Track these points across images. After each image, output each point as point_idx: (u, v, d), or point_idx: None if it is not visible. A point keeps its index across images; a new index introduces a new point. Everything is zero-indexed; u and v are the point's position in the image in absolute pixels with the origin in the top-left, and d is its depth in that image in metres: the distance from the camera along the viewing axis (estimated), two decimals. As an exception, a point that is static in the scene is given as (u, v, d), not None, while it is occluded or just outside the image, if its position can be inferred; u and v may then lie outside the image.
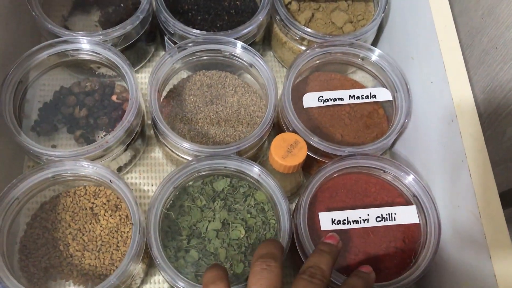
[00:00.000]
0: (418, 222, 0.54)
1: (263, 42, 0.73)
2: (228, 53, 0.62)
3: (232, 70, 0.66)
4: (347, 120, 0.63)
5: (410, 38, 0.63)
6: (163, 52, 0.74)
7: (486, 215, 0.47)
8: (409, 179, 0.55)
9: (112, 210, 0.56)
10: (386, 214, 0.54)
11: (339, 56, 0.64)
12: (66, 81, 0.66)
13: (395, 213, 0.54)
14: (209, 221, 0.54)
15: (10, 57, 0.61)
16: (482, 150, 0.49)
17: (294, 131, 0.58)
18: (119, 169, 0.63)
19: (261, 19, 0.64)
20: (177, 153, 0.59)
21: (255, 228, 0.54)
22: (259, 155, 0.64)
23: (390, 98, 0.63)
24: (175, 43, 0.66)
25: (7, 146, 0.59)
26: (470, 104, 0.52)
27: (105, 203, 0.57)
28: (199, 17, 0.68)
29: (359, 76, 0.69)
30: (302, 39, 0.66)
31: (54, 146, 0.63)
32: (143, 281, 0.59)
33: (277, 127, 0.65)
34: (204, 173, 0.56)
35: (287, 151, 0.52)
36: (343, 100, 0.63)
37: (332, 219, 0.53)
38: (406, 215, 0.54)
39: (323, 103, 0.62)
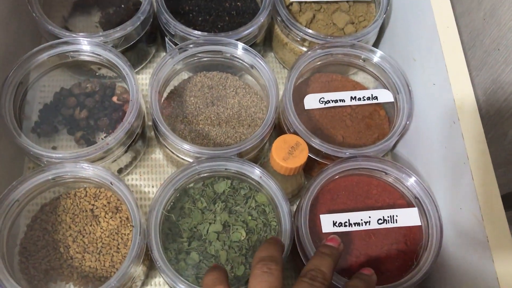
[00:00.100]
0: (420, 224, 0.54)
1: (264, 43, 0.73)
2: (229, 54, 0.62)
3: (233, 71, 0.65)
4: (348, 121, 0.63)
5: (411, 39, 0.63)
6: (164, 53, 0.74)
7: (488, 217, 0.47)
8: (411, 181, 0.55)
9: (113, 212, 0.56)
10: (388, 216, 0.54)
11: (341, 58, 0.64)
12: (66, 82, 0.66)
13: (396, 215, 0.54)
14: (210, 223, 0.54)
15: (10, 58, 0.61)
16: (484, 152, 0.49)
17: (295, 133, 0.58)
18: (120, 171, 0.63)
19: (262, 20, 0.64)
20: (178, 154, 0.58)
21: (256, 230, 0.54)
22: (260, 157, 0.63)
23: (392, 99, 0.63)
24: (176, 44, 0.66)
25: (8, 147, 0.59)
26: (472, 106, 0.52)
27: (105, 205, 0.57)
28: (200, 18, 0.67)
29: (360, 77, 0.69)
30: (303, 40, 0.66)
31: (54, 148, 0.63)
32: (144, 283, 0.59)
33: (278, 129, 0.65)
34: (205, 174, 0.56)
35: (288, 153, 0.52)
36: (344, 101, 0.62)
37: (333, 221, 0.53)
38: (408, 217, 0.54)
39: (324, 104, 0.62)
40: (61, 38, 0.60)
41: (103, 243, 0.55)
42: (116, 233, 0.56)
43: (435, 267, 0.53)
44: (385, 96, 0.63)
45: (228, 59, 0.63)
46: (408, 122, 0.60)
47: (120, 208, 0.57)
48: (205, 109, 0.62)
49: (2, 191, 0.52)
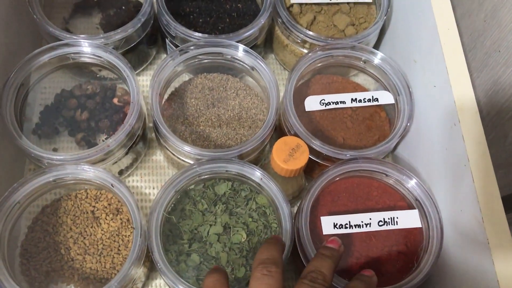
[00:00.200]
0: (421, 226, 0.54)
1: (264, 44, 0.73)
2: (229, 56, 0.62)
3: (233, 73, 0.65)
4: (349, 123, 0.63)
5: (412, 41, 0.63)
6: (165, 55, 0.74)
7: (488, 219, 0.47)
8: (412, 183, 0.55)
9: (113, 214, 0.56)
10: (388, 218, 0.54)
11: (341, 59, 0.64)
12: (67, 83, 0.66)
13: (397, 217, 0.54)
14: (211, 225, 0.54)
15: (11, 60, 0.61)
16: (484, 154, 0.49)
17: (295, 135, 0.58)
18: (121, 172, 0.63)
19: (262, 22, 0.64)
20: (179, 156, 0.59)
21: (256, 232, 0.54)
22: (260, 158, 0.63)
23: (392, 101, 0.63)
24: (176, 46, 0.66)
25: (8, 149, 0.59)
26: (473, 108, 0.52)
27: (106, 207, 0.57)
28: (200, 20, 0.68)
29: (361, 79, 0.69)
30: (304, 42, 0.66)
31: (55, 149, 0.63)
32: (144, 285, 0.59)
33: (278, 130, 0.65)
34: (206, 176, 0.56)
35: (289, 154, 0.52)
36: (345, 103, 0.62)
37: (334, 223, 0.53)
38: (408, 219, 0.54)
39: (325, 106, 0.62)
40: (62, 40, 0.60)
41: (104, 245, 0.55)
42: (117, 234, 0.56)
43: (436, 269, 0.53)
44: (385, 97, 0.63)
45: (228, 61, 0.63)
46: (408, 124, 0.60)
47: (121, 210, 0.57)
48: (205, 111, 0.62)
49: (3, 193, 0.52)
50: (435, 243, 0.52)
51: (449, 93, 0.53)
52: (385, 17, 0.66)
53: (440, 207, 0.54)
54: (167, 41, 0.68)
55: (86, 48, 0.60)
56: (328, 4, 0.69)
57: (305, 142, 0.53)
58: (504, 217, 0.47)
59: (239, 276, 0.52)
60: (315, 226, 0.54)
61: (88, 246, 0.55)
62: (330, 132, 0.62)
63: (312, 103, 0.62)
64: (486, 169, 0.49)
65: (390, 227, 0.54)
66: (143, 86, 0.72)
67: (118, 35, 0.62)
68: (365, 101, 0.63)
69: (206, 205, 0.55)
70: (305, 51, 0.67)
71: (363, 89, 0.67)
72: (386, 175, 0.56)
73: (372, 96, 0.63)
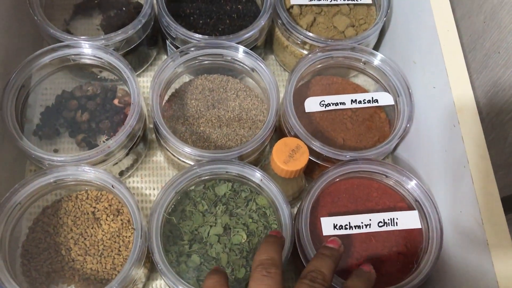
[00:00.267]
0: (420, 227, 0.54)
1: (265, 46, 0.73)
2: (230, 58, 0.62)
3: (234, 74, 0.66)
4: (349, 124, 0.63)
5: (412, 42, 0.63)
6: (165, 56, 0.74)
7: (488, 220, 0.47)
8: (411, 184, 0.55)
9: (114, 215, 0.56)
10: (388, 219, 0.54)
11: (341, 60, 0.64)
12: (68, 85, 0.66)
13: (397, 218, 0.54)
14: (211, 226, 0.54)
15: (12, 62, 0.61)
16: (484, 156, 0.49)
17: (295, 136, 0.58)
18: (121, 173, 0.64)
19: (263, 23, 0.64)
20: (179, 157, 0.59)
21: (256, 233, 0.54)
22: (260, 159, 0.63)
23: (392, 102, 0.63)
24: (177, 47, 0.66)
25: (9, 150, 0.59)
26: (473, 109, 0.52)
27: (107, 208, 0.57)
28: (201, 21, 0.68)
29: (361, 80, 0.69)
30: (304, 43, 0.66)
31: (56, 150, 0.64)
32: (145, 286, 0.59)
33: (278, 131, 0.65)
34: (206, 177, 0.56)
35: (289, 156, 0.52)
36: (345, 104, 0.63)
37: (334, 224, 0.53)
38: (408, 220, 0.54)
39: (325, 107, 0.62)
40: (62, 41, 0.60)
41: (104, 246, 0.55)
42: (117, 235, 0.56)
43: (436, 269, 0.53)
44: (385, 99, 0.63)
45: (229, 62, 0.63)
46: (408, 125, 0.60)
47: (121, 211, 0.57)
48: (206, 112, 0.62)
49: (4, 194, 0.52)
50: (434, 244, 0.52)
51: (449, 94, 0.53)
52: (384, 18, 0.66)
53: (439, 208, 0.54)
54: (167, 42, 0.68)
55: (87, 49, 0.60)
56: (328, 5, 0.69)
57: (305, 143, 0.54)
58: (504, 218, 0.47)
59: (239, 277, 0.52)
60: (315, 227, 0.54)
61: (88, 247, 0.55)
62: (330, 133, 0.62)
63: (312, 104, 0.63)
64: (485, 170, 0.49)
65: (390, 228, 0.54)
66: (143, 87, 0.72)
67: (119, 36, 0.62)
68: (365, 102, 0.63)
69: (206, 206, 0.55)
70: (305, 52, 0.67)
71: (363, 90, 0.67)
72: (386, 176, 0.56)
73: (372, 97, 0.63)
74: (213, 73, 0.65)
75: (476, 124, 0.51)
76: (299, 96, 0.63)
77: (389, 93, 0.63)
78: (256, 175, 0.55)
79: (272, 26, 0.70)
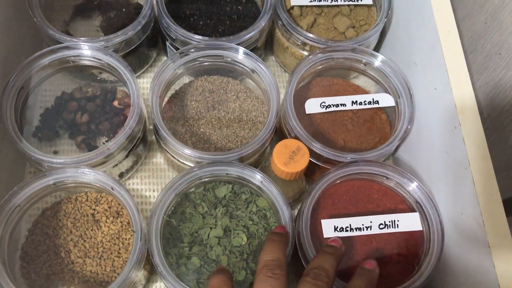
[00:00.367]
0: (421, 229, 0.54)
1: (265, 47, 0.73)
2: (230, 59, 0.62)
3: (234, 76, 0.65)
4: (349, 125, 0.63)
5: (413, 44, 0.63)
6: (165, 57, 0.74)
7: (489, 222, 0.47)
8: (412, 186, 0.55)
9: (114, 217, 0.56)
10: (389, 221, 0.54)
11: (342, 62, 0.64)
12: (67, 86, 0.66)
13: (398, 220, 0.54)
14: (211, 228, 0.54)
15: (11, 63, 0.61)
16: (485, 158, 0.49)
17: (296, 137, 0.58)
18: (121, 175, 0.63)
19: (263, 24, 0.64)
20: (179, 159, 0.58)
21: (257, 235, 0.54)
22: (261, 161, 0.63)
23: (393, 104, 0.63)
24: (177, 48, 0.66)
25: (9, 152, 0.59)
26: (474, 111, 0.51)
27: (106, 210, 0.57)
28: (201, 22, 0.68)
29: (361, 81, 0.69)
30: (304, 44, 0.66)
31: (55, 152, 0.63)
32: (145, 288, 0.59)
33: (279, 133, 0.65)
34: (206, 179, 0.56)
35: (289, 157, 0.52)
36: (345, 105, 0.62)
37: (334, 226, 0.53)
38: (409, 222, 0.54)
39: (326, 108, 0.62)
40: (62, 43, 0.60)
41: (104, 248, 0.55)
42: (117, 237, 0.56)
43: (437, 271, 0.53)
44: (386, 100, 0.63)
45: (229, 64, 0.63)
46: (409, 127, 0.60)
47: (121, 213, 0.57)
48: (206, 113, 0.62)
49: (3, 196, 0.52)
50: (436, 246, 0.52)
51: (450, 96, 0.53)
52: (385, 19, 0.66)
53: (441, 210, 0.54)
54: (167, 43, 0.68)
55: (86, 51, 0.60)
56: (328, 6, 0.69)
57: (306, 145, 0.53)
58: (505, 220, 0.47)
59: (239, 279, 0.52)
60: (316, 229, 0.54)
61: (88, 249, 0.55)
62: (331, 135, 0.62)
63: (313, 106, 0.62)
64: (487, 172, 0.49)
65: (391, 230, 0.54)
66: (143, 88, 0.72)
67: (119, 37, 0.62)
68: (365, 104, 0.63)
69: (206, 208, 0.55)
70: (306, 53, 0.67)
71: (364, 92, 0.66)
72: (387, 178, 0.56)
73: (373, 99, 0.63)
74: (213, 74, 0.65)
75: (477, 126, 0.51)
76: (300, 98, 0.63)
77: (389, 94, 0.63)
78: (257, 177, 0.55)
79: (273, 27, 0.70)
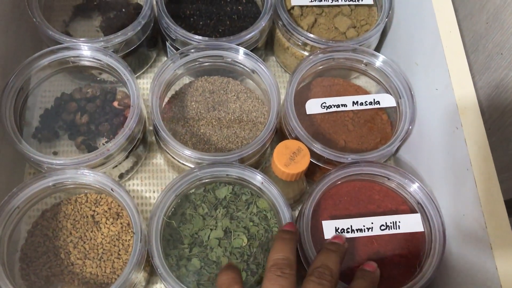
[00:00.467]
0: (423, 230, 0.54)
1: (265, 47, 0.72)
2: (230, 59, 0.62)
3: (234, 76, 0.65)
4: (350, 126, 0.62)
5: (414, 44, 0.63)
6: (165, 58, 0.74)
7: (491, 223, 0.46)
8: (414, 186, 0.55)
9: (114, 218, 0.56)
10: (390, 223, 0.53)
11: (342, 62, 0.64)
12: (67, 87, 0.66)
13: (399, 221, 0.54)
14: (211, 229, 0.54)
15: (11, 64, 0.61)
16: (487, 159, 0.49)
17: (296, 138, 0.58)
18: (121, 176, 0.63)
19: (263, 25, 0.64)
20: (179, 160, 0.58)
21: (257, 236, 0.54)
22: (261, 162, 0.63)
23: (394, 104, 0.62)
24: (177, 48, 0.65)
25: (8, 153, 0.59)
26: (475, 111, 0.51)
27: (106, 211, 0.56)
28: (201, 22, 0.67)
29: (362, 81, 0.69)
30: (305, 44, 0.65)
31: (55, 153, 0.63)
32: (145, 289, 0.59)
33: (279, 133, 0.65)
34: (206, 180, 0.55)
35: (290, 158, 0.52)
36: (346, 106, 0.62)
37: (335, 227, 0.53)
38: (411, 223, 0.54)
39: (326, 109, 0.62)
40: (61, 43, 0.60)
41: (104, 249, 0.55)
42: (117, 239, 0.55)
43: (438, 273, 0.52)
44: (387, 100, 0.63)
45: (229, 64, 0.63)
46: (410, 127, 0.59)
47: (121, 214, 0.57)
48: (206, 114, 0.62)
49: (3, 198, 0.52)
50: (437, 247, 0.52)
51: (451, 96, 0.52)
52: (386, 19, 0.66)
53: (442, 211, 0.54)
54: (167, 44, 0.67)
55: (86, 51, 0.60)
56: (329, 6, 0.69)
57: (306, 146, 0.53)
58: (507, 221, 0.47)
59: (240, 280, 0.52)
60: (317, 231, 0.53)
61: (88, 251, 0.55)
62: (332, 135, 0.62)
63: (313, 106, 0.62)
64: (488, 172, 0.48)
65: (392, 231, 0.53)
66: (143, 89, 0.72)
67: (118, 38, 0.62)
68: (366, 104, 0.63)
69: (206, 209, 0.55)
70: (306, 53, 0.66)
71: (365, 92, 0.66)
72: (388, 179, 0.56)
73: (374, 99, 0.63)
74: (214, 74, 0.65)
75: (479, 126, 0.50)
76: (300, 98, 0.63)
77: (391, 94, 0.63)
78: (257, 178, 0.54)
79: (273, 27, 0.70)
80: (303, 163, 0.52)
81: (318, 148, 0.56)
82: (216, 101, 0.63)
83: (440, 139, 0.55)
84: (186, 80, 0.66)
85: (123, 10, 0.69)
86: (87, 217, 0.56)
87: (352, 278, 0.49)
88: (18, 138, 0.55)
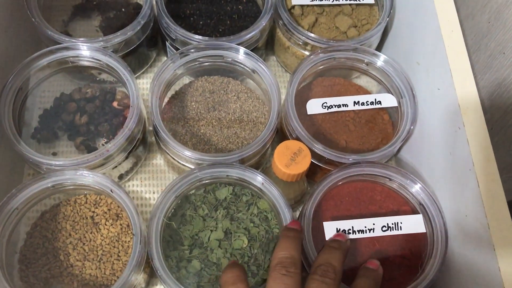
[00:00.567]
0: (425, 231, 0.54)
1: (266, 47, 0.72)
2: (230, 59, 0.62)
3: (234, 76, 0.65)
4: (351, 126, 0.62)
5: (415, 43, 0.62)
6: (165, 58, 0.74)
7: (494, 224, 0.46)
8: (416, 187, 0.55)
9: (113, 219, 0.56)
10: (392, 224, 0.53)
11: (343, 61, 0.64)
12: (66, 87, 0.65)
13: (401, 222, 0.53)
14: (212, 231, 0.53)
15: (9, 64, 0.60)
16: (490, 159, 0.48)
17: (297, 138, 0.57)
18: (121, 177, 0.63)
19: (264, 24, 0.63)
20: (179, 160, 0.58)
21: (258, 238, 0.54)
22: (262, 163, 0.63)
23: (396, 104, 0.62)
24: (177, 48, 0.65)
25: (7, 154, 0.59)
26: (478, 111, 0.51)
27: (106, 212, 0.56)
28: (201, 22, 0.67)
29: (363, 81, 0.69)
30: (306, 44, 0.65)
31: (54, 154, 0.63)
32: (145, 291, 0.58)
33: (280, 134, 0.64)
34: (206, 181, 0.55)
35: (291, 159, 0.51)
36: (347, 106, 0.62)
37: (337, 228, 0.53)
38: (413, 224, 0.53)
39: (327, 109, 0.61)
40: (61, 43, 0.60)
41: (103, 251, 0.55)
42: (116, 240, 0.55)
43: (441, 274, 0.52)
44: (388, 100, 0.62)
45: (229, 64, 0.62)
46: (412, 127, 0.59)
47: (120, 215, 0.56)
48: (206, 114, 0.62)
49: (2, 199, 0.51)
50: (439, 249, 0.52)
51: (453, 96, 0.52)
52: (387, 19, 0.66)
53: (444, 211, 0.53)
54: (167, 43, 0.67)
55: (85, 51, 0.59)
56: (330, 5, 0.68)
57: (307, 146, 0.53)
58: (510, 222, 0.46)
59: (240, 282, 0.51)
60: (318, 232, 0.53)
61: (87, 252, 0.54)
62: (333, 136, 0.61)
63: (314, 106, 0.62)
64: (491, 173, 0.48)
65: (394, 232, 0.53)
66: (143, 89, 0.71)
67: (118, 38, 0.61)
68: (367, 104, 0.62)
69: (207, 210, 0.55)
70: (307, 53, 0.66)
71: (366, 92, 0.66)
72: (390, 179, 0.55)
73: (375, 99, 0.63)
74: (214, 74, 0.65)
75: (481, 126, 0.50)
76: (301, 98, 0.63)
77: (392, 94, 0.63)
78: (257, 179, 0.54)
79: (273, 27, 0.69)
80: (304, 163, 0.51)
81: (319, 148, 0.56)
82: (216, 101, 0.63)
83: (442, 139, 0.55)
84: (186, 80, 0.65)
85: (123, 9, 0.69)
86: (87, 218, 0.56)
87: (352, 280, 0.49)
88: (17, 139, 0.54)
